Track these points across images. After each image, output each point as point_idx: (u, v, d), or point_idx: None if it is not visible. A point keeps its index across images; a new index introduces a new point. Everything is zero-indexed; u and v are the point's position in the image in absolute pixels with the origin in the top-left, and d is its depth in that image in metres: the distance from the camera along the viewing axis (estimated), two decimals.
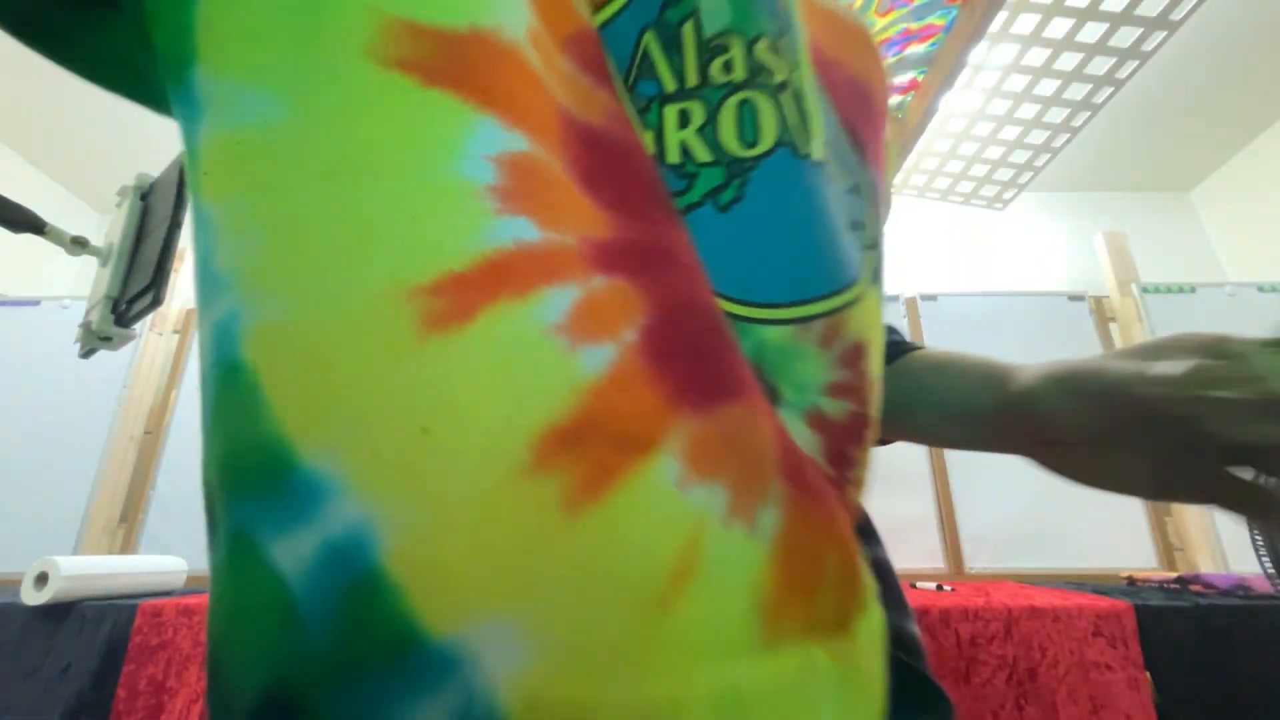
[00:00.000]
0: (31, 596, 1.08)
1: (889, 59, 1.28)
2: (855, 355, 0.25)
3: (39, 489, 1.74)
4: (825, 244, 0.25)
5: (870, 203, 0.30)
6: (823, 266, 0.25)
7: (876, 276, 0.29)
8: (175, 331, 2.04)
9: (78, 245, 0.85)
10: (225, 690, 0.15)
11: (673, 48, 0.25)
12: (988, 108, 1.51)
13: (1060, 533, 1.63)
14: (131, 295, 0.82)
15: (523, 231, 0.17)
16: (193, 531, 1.73)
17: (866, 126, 0.31)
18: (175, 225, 0.81)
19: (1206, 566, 1.52)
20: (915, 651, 0.34)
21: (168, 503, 1.77)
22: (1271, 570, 1.02)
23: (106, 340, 0.84)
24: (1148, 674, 0.99)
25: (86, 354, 0.85)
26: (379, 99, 0.17)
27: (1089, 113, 1.45)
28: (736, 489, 0.17)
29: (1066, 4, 1.22)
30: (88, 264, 1.50)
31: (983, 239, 2.42)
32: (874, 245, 0.29)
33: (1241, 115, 2.13)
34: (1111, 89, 1.38)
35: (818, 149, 0.26)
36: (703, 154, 0.24)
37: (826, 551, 0.19)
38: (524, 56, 0.19)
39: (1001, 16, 1.24)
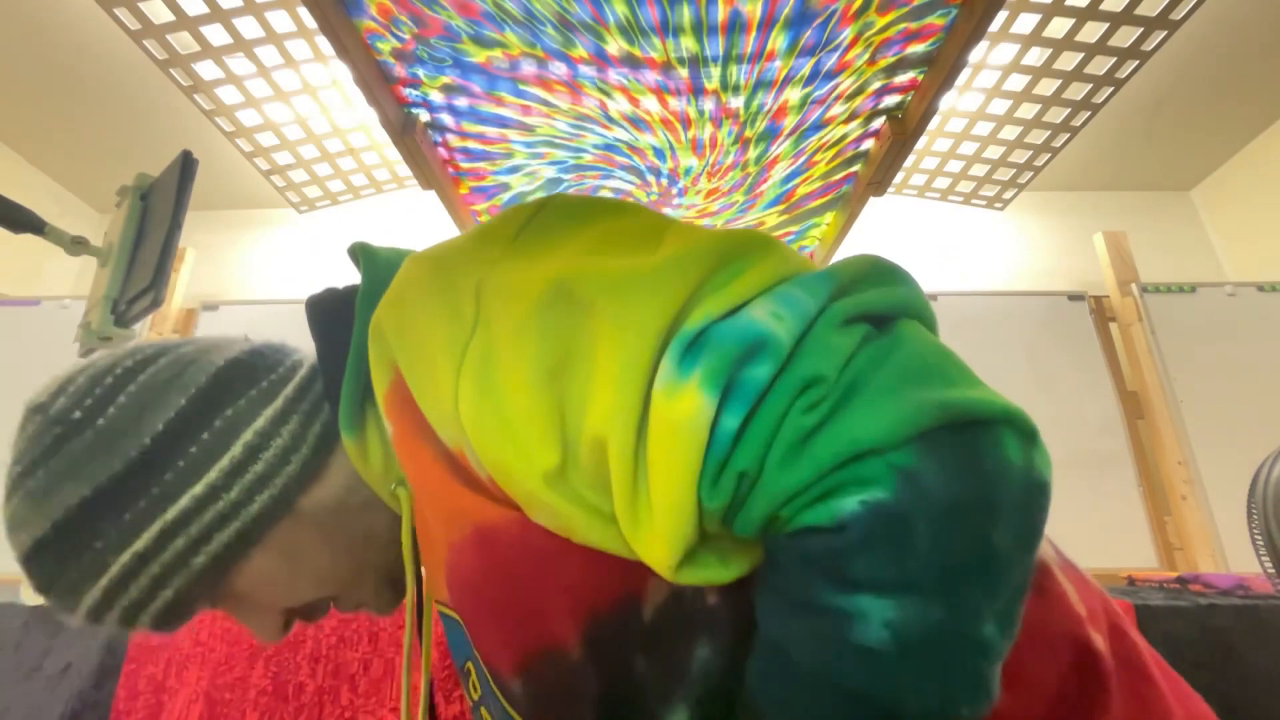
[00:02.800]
0: (32, 596, 1.08)
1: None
2: None
3: None
4: None
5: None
6: None
7: None
8: (175, 331, 2.03)
9: (78, 245, 0.85)
10: None
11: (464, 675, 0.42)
12: (988, 108, 1.51)
13: (1060, 532, 1.61)
14: (131, 295, 0.82)
15: None
16: None
17: (477, 622, 0.36)
18: (175, 225, 0.81)
19: (1206, 566, 1.52)
20: None
21: None
22: (1271, 570, 1.02)
23: (106, 340, 0.84)
24: None
25: (86, 354, 0.85)
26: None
27: (1089, 112, 1.45)
28: None
29: (1066, 4, 1.22)
30: (88, 264, 1.50)
31: (983, 239, 2.43)
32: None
33: (1241, 115, 2.13)
34: (1111, 89, 1.38)
35: None
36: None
37: None
38: None
39: (1001, 16, 1.24)
